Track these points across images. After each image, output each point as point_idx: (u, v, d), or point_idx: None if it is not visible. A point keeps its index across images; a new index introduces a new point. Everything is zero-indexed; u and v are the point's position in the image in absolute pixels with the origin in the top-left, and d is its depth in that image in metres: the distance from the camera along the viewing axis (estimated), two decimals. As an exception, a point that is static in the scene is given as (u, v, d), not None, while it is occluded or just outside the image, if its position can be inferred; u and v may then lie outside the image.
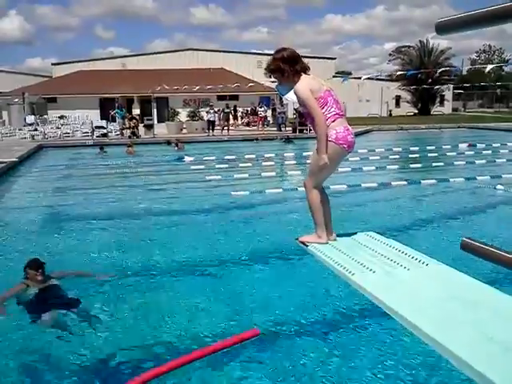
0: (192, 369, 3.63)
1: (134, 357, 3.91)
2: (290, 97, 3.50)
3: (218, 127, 27.60)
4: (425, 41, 51.90)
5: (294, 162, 16.81)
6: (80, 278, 5.46)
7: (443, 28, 1.47)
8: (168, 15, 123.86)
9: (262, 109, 30.94)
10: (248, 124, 33.29)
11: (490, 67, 27.29)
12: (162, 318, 4.59)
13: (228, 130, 27.49)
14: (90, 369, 3.78)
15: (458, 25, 1.43)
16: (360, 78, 32.52)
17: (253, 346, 3.96)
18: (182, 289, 5.32)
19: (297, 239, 3.45)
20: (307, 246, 3.33)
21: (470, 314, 2.14)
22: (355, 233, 3.52)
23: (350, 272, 2.74)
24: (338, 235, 3.42)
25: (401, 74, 29.62)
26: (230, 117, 29.25)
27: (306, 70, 3.30)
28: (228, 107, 28.60)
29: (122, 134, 25.62)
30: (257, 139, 23.88)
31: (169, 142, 21.39)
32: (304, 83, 3.22)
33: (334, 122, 3.20)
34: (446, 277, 2.61)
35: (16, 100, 30.84)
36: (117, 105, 27.99)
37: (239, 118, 33.63)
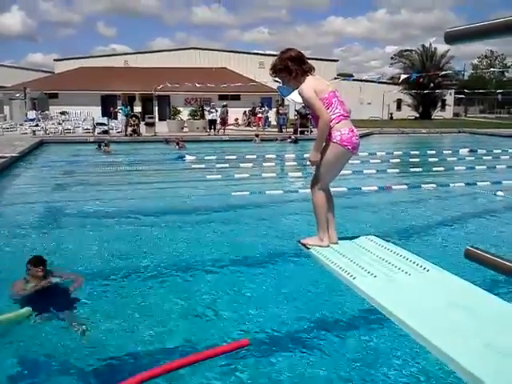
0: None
1: (129, 357, 3.91)
2: (292, 98, 3.50)
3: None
4: (427, 45, 51.97)
5: (296, 163, 16.81)
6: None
7: (452, 38, 1.48)
8: (170, 14, 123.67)
9: (262, 109, 30.97)
10: (249, 124, 33.31)
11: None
12: (160, 319, 4.58)
13: (224, 130, 27.43)
14: (84, 368, 3.78)
15: (467, 35, 1.44)
16: (361, 81, 32.50)
17: (247, 352, 3.96)
18: (178, 290, 5.31)
19: (298, 241, 3.46)
20: (309, 248, 3.33)
21: (470, 321, 2.15)
22: (356, 236, 3.52)
23: (351, 276, 2.75)
24: (339, 238, 3.42)
25: (403, 78, 29.61)
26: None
27: (311, 70, 3.31)
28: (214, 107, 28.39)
29: (125, 131, 25.58)
30: (255, 139, 23.75)
31: (167, 141, 21.33)
32: (309, 84, 3.22)
33: (338, 123, 3.19)
34: (446, 283, 2.62)
35: (18, 95, 30.83)
36: (121, 102, 27.98)
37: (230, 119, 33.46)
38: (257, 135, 24.17)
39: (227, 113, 29.00)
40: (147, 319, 4.56)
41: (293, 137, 24.03)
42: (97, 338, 4.19)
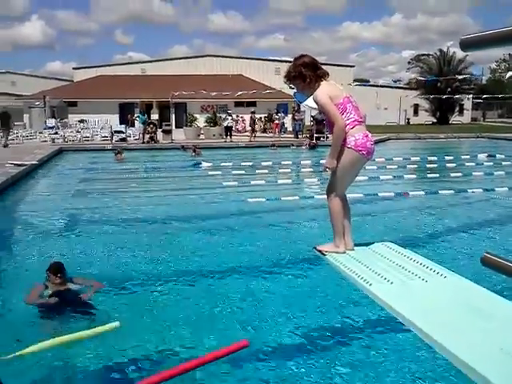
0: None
1: (141, 366, 3.92)
2: (308, 104, 3.50)
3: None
4: (445, 49, 51.58)
5: (313, 169, 16.78)
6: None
7: (468, 45, 1.49)
8: (187, 21, 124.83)
9: (278, 115, 31.02)
10: (265, 131, 33.38)
11: (509, 74, 27.06)
12: (173, 324, 4.59)
13: (231, 137, 27.26)
14: (96, 375, 3.82)
15: (482, 42, 1.45)
16: (378, 86, 32.39)
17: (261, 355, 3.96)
18: (192, 295, 5.34)
19: (314, 248, 3.46)
20: (325, 254, 3.33)
21: (488, 327, 2.13)
22: (372, 243, 3.51)
23: (367, 282, 2.74)
24: (355, 245, 3.42)
25: (420, 82, 29.45)
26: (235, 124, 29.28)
27: (325, 75, 3.31)
28: (230, 114, 28.48)
29: (143, 138, 25.83)
30: (273, 146, 23.90)
31: (184, 148, 21.45)
32: (323, 90, 3.22)
33: (352, 128, 3.19)
34: (463, 289, 2.60)
35: (37, 103, 31.31)
36: (139, 109, 28.26)
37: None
38: (273, 144, 24.24)
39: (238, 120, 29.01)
40: (160, 327, 4.58)
41: (312, 143, 24.03)
42: (106, 343, 4.20)
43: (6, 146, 21.93)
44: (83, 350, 4.08)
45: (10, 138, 23.07)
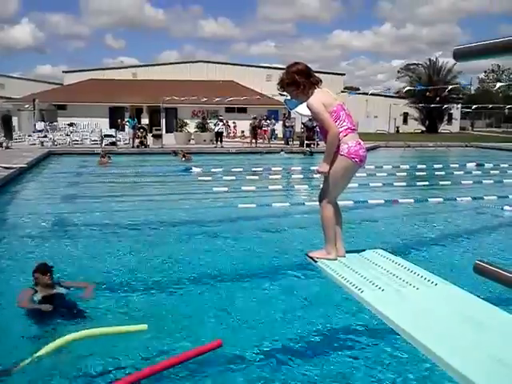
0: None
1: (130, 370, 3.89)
2: (299, 111, 3.53)
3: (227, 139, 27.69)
4: (434, 59, 52.17)
5: (304, 176, 16.82)
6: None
7: (460, 55, 1.51)
8: (178, 27, 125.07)
9: (268, 122, 31.07)
10: (254, 137, 33.33)
11: (498, 85, 27.50)
12: (154, 330, 4.53)
13: (221, 142, 27.25)
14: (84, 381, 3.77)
15: (475, 53, 1.47)
16: (368, 94, 32.64)
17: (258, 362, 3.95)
18: (181, 301, 5.30)
19: (306, 254, 3.47)
20: (316, 261, 3.34)
21: (478, 334, 2.14)
22: (364, 250, 3.53)
23: (358, 289, 2.75)
24: (346, 252, 3.43)
25: (409, 91, 29.77)
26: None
27: (319, 82, 3.33)
28: (221, 120, 28.49)
29: (133, 142, 25.75)
30: (261, 153, 24.09)
31: (175, 153, 21.41)
32: (317, 97, 3.24)
33: (346, 136, 3.21)
34: (453, 297, 2.62)
35: (26, 106, 31.15)
36: (128, 114, 28.21)
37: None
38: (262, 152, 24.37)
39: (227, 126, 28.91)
40: (152, 331, 4.54)
41: (308, 149, 24.11)
42: (95, 348, 4.16)
43: (7, 147, 21.99)
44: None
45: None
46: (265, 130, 30.61)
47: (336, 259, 3.30)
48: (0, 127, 23.69)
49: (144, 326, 4.15)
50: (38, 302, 4.78)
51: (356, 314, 4.70)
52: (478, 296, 2.57)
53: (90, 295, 5.17)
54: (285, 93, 3.51)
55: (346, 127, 3.23)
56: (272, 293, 5.54)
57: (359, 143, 3.26)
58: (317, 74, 3.44)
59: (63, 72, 51.98)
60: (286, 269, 6.26)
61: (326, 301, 5.13)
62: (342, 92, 34.12)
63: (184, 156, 20.35)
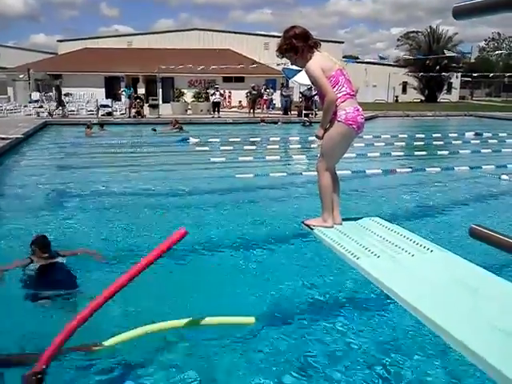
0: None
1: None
2: (297, 80, 3.47)
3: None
4: (434, 27, 51.37)
5: (302, 146, 16.73)
6: (85, 259, 5.44)
7: (460, 12, 1.46)
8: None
9: (267, 91, 30.67)
10: (253, 106, 33.02)
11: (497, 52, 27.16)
12: (152, 298, 4.54)
13: (219, 112, 27.00)
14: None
15: (475, 10, 1.42)
16: (367, 63, 32.24)
17: (249, 331, 3.98)
18: (179, 271, 5.30)
19: (302, 222, 3.46)
20: (312, 229, 3.33)
21: (473, 300, 2.15)
22: (360, 218, 3.52)
23: (354, 256, 2.75)
24: (343, 219, 3.42)
25: (408, 60, 29.39)
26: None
27: (318, 45, 3.25)
28: (218, 89, 28.19)
29: (129, 113, 25.48)
30: (262, 121, 23.79)
31: (154, 130, 20.17)
32: (316, 61, 3.16)
33: (343, 102, 3.14)
34: (449, 263, 2.62)
35: (21, 76, 30.71)
36: (124, 83, 27.85)
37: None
38: (262, 119, 24.11)
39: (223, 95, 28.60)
40: (148, 300, 4.56)
41: (306, 119, 23.82)
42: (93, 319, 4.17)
43: None
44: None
45: None
46: (265, 100, 30.26)
47: (332, 227, 3.30)
48: None
49: (251, 319, 3.98)
50: (36, 271, 4.77)
51: (352, 281, 4.73)
52: (474, 262, 2.57)
53: (100, 259, 5.33)
54: (283, 60, 3.42)
55: (344, 92, 3.16)
56: (266, 261, 5.57)
57: (357, 109, 3.20)
58: (315, 40, 3.36)
59: (58, 41, 51.06)
60: (283, 237, 6.28)
61: (321, 268, 5.15)
62: (342, 60, 33.65)
63: (174, 125, 19.93)
